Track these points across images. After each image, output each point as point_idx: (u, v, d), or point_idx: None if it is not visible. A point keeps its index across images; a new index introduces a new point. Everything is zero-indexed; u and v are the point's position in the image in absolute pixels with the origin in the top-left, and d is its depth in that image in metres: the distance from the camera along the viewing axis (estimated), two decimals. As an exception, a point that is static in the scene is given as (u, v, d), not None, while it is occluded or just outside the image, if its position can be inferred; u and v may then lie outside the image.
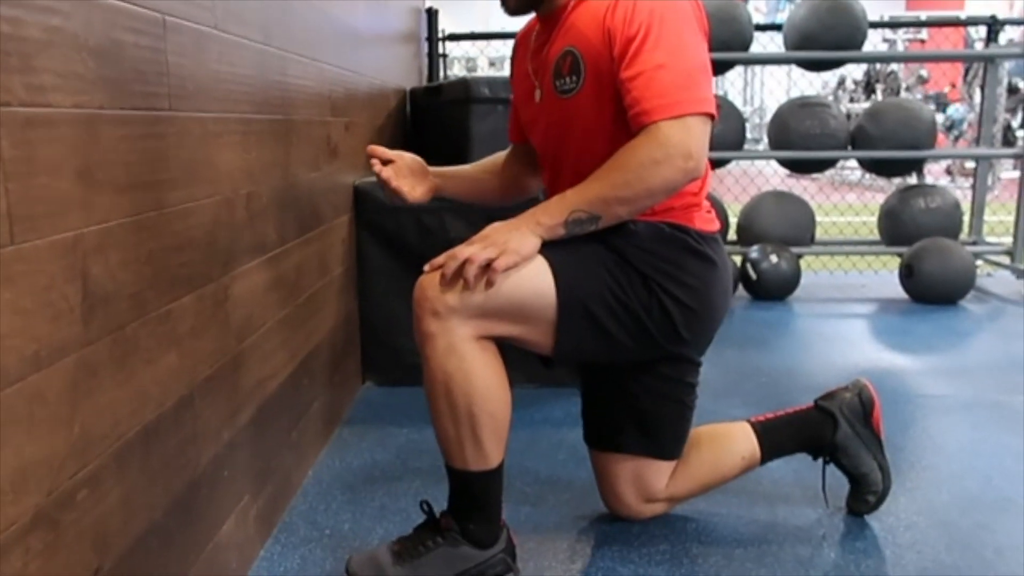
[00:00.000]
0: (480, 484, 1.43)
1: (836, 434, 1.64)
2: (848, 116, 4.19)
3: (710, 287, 1.48)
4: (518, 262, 1.33)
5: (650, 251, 1.43)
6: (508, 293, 1.34)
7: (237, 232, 1.45)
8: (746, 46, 3.81)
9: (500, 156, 1.78)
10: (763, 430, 1.66)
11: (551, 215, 1.37)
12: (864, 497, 1.68)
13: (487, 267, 1.31)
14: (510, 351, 1.43)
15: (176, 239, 1.21)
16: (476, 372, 1.35)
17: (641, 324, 1.43)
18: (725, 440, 1.67)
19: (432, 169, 1.67)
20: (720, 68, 4.08)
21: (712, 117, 1.36)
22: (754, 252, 3.74)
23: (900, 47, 8.55)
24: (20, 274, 0.85)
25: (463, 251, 1.32)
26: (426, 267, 1.36)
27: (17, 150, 0.84)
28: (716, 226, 1.53)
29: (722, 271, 1.51)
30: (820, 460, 1.69)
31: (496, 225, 1.37)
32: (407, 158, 1.62)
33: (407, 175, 1.61)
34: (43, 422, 0.89)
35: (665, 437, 1.60)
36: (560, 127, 1.50)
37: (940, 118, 8.44)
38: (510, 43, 1.74)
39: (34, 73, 0.87)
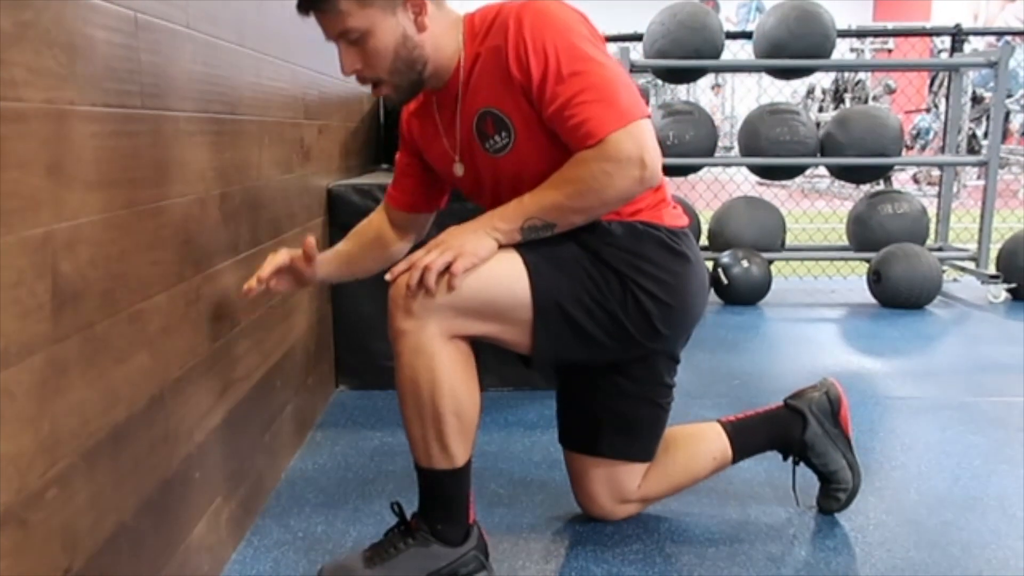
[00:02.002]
0: (446, 483, 1.43)
1: (805, 432, 1.66)
2: (817, 125, 4.24)
3: (685, 282, 1.48)
4: (476, 264, 1.34)
5: (625, 249, 1.44)
6: (482, 292, 1.35)
7: (210, 232, 1.44)
8: (717, 54, 3.85)
9: (369, 222, 1.73)
10: (734, 430, 1.68)
11: (508, 220, 1.38)
12: (834, 495, 1.70)
13: (446, 271, 1.31)
14: (485, 354, 1.43)
15: (148, 237, 1.20)
16: (443, 371, 1.35)
17: (618, 322, 1.43)
18: (697, 440, 1.68)
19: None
20: (691, 74, 4.13)
21: (648, 116, 1.35)
22: (726, 257, 3.77)
23: (867, 56, 8.68)
24: (-11, 269, 0.84)
25: (421, 259, 1.33)
26: (387, 276, 1.36)
27: (-13, 144, 0.84)
28: (685, 221, 1.54)
29: (696, 266, 1.52)
30: (790, 459, 1.71)
31: (452, 229, 1.38)
32: (277, 262, 1.56)
33: (286, 278, 1.60)
34: (11, 420, 0.88)
35: (640, 439, 1.61)
36: (509, 181, 1.47)
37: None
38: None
39: (4, 67, 0.86)
